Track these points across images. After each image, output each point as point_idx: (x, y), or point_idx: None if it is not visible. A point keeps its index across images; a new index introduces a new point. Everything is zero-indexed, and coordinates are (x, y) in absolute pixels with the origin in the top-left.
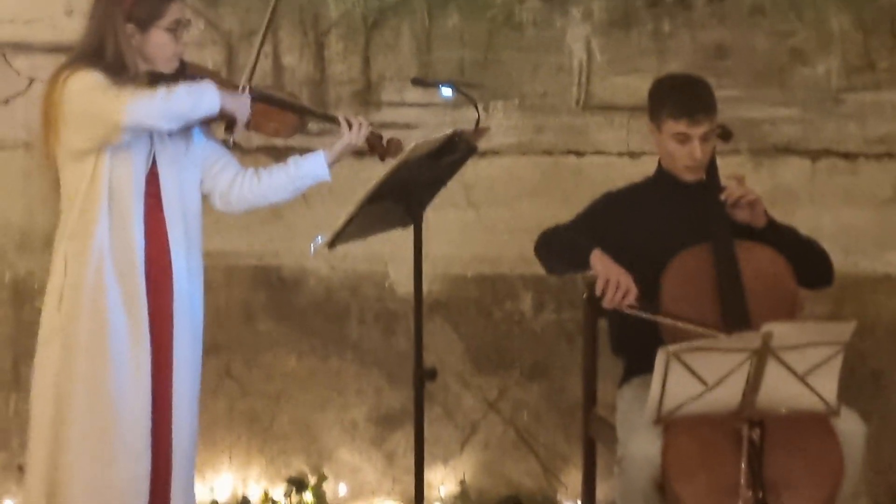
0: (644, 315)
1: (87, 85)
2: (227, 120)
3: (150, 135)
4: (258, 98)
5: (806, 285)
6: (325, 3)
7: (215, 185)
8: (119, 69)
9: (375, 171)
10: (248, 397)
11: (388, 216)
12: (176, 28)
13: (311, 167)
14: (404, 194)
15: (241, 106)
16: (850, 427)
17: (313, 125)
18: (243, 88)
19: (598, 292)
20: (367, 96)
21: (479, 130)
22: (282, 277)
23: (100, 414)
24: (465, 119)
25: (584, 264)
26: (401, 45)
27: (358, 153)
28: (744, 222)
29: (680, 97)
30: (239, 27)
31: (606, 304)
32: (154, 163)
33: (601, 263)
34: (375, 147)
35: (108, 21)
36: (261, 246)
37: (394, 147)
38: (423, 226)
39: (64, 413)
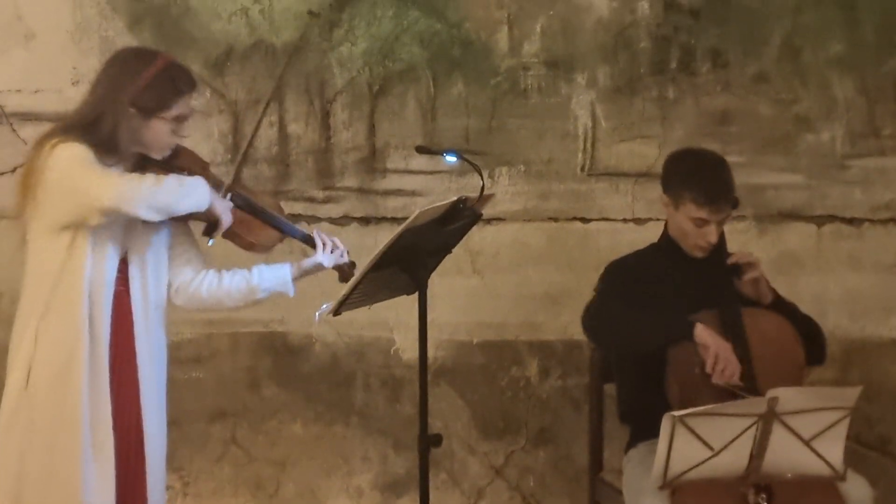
0: (742, 393)
1: (74, 157)
2: (208, 222)
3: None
4: (243, 206)
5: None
6: (330, 71)
7: (175, 277)
8: (110, 148)
9: (381, 238)
10: (254, 464)
11: (394, 283)
12: (178, 122)
13: (274, 280)
14: (409, 261)
15: (226, 211)
16: (857, 492)
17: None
18: (226, 191)
19: (709, 368)
20: (372, 163)
21: (484, 197)
22: (287, 344)
23: (62, 490)
24: (471, 186)
25: (681, 338)
26: (406, 113)
27: (362, 218)
28: (750, 298)
29: (705, 184)
30: (245, 96)
31: (715, 379)
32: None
33: (711, 338)
34: (343, 274)
35: (112, 99)
36: (266, 313)
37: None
38: (429, 292)
39: (24, 491)
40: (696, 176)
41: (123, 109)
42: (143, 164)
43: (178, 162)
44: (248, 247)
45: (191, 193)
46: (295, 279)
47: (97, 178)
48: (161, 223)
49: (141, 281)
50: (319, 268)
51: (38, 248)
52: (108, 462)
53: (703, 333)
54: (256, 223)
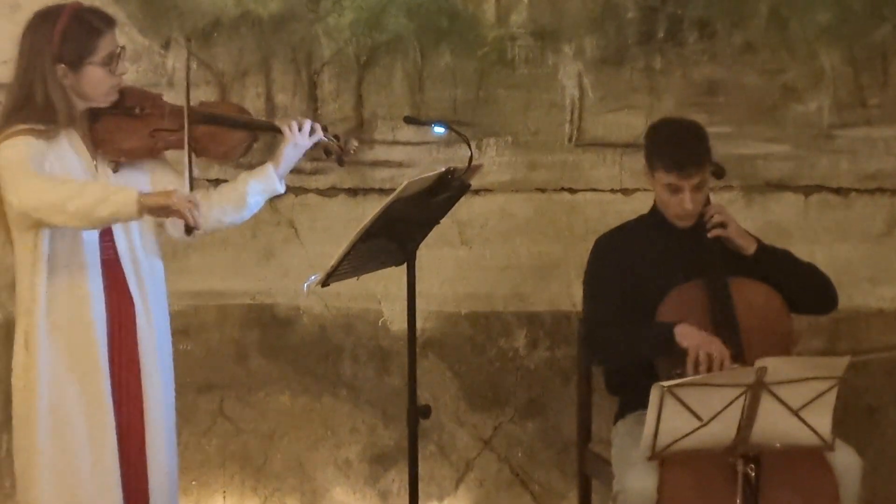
0: None
1: (11, 159)
2: (169, 217)
3: None
4: (203, 120)
5: (808, 311)
6: (317, 42)
7: None
8: (50, 115)
9: (369, 209)
10: (242, 436)
11: (382, 254)
12: (110, 62)
13: (259, 177)
14: (397, 232)
15: (174, 202)
16: (846, 461)
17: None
18: (185, 113)
19: (690, 369)
20: (359, 134)
21: (472, 168)
22: (275, 316)
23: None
24: (458, 157)
25: (671, 345)
26: (393, 84)
27: (350, 190)
28: (735, 250)
29: (671, 149)
30: (232, 68)
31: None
32: None
33: (690, 339)
34: (331, 151)
35: (37, 65)
36: (254, 285)
37: (351, 150)
38: (417, 263)
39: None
40: (666, 143)
41: (51, 70)
42: (95, 116)
43: (128, 103)
44: (223, 156)
45: (111, 199)
46: (280, 173)
47: (23, 185)
48: (136, 173)
49: (126, 237)
50: (296, 150)
51: (17, 242)
52: (110, 448)
53: (683, 336)
54: (222, 131)
